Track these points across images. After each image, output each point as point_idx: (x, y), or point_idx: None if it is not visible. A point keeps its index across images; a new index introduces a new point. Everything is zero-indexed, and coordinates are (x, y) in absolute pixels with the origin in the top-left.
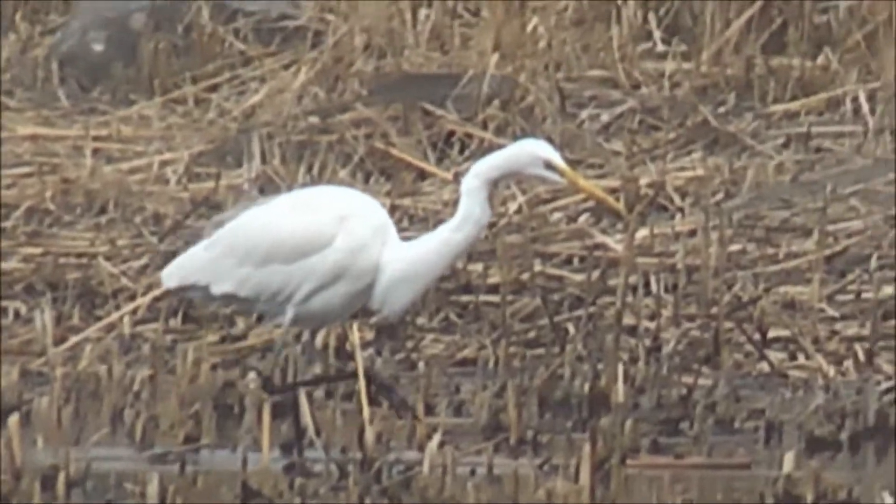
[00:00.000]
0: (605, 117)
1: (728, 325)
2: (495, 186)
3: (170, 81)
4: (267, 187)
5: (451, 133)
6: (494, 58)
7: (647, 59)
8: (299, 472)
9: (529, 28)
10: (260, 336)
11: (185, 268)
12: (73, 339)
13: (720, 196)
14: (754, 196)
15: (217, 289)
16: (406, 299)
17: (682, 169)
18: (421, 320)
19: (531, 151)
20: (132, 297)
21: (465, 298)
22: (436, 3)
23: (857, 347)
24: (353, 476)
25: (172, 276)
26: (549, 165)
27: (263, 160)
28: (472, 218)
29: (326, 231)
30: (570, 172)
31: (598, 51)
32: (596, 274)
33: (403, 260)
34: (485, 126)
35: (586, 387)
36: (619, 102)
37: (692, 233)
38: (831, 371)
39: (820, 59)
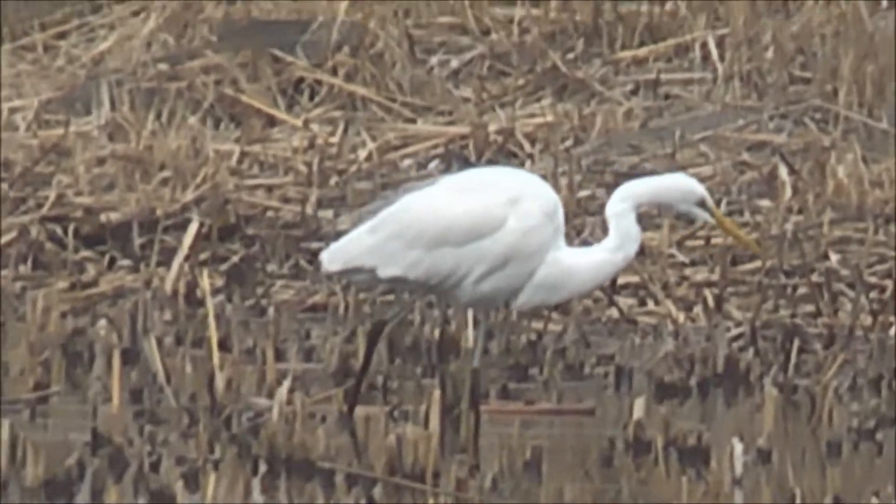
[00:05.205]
0: (454, 63)
1: None
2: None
3: (18, 28)
4: (117, 134)
5: (301, 79)
6: (343, 4)
7: (495, 5)
8: (149, 419)
9: None
10: (111, 283)
11: (349, 251)
12: None
13: (569, 142)
14: (603, 142)
15: (384, 272)
16: (541, 303)
17: (532, 115)
18: (271, 266)
19: (688, 188)
20: None
21: (314, 245)
22: None
23: (707, 293)
24: (203, 423)
25: (335, 259)
26: (701, 203)
27: (112, 107)
28: (631, 237)
29: (498, 213)
30: (718, 212)
31: None
32: None
33: (560, 266)
34: (334, 72)
35: (436, 332)
36: (469, 48)
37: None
38: (680, 317)
39: (668, 5)
